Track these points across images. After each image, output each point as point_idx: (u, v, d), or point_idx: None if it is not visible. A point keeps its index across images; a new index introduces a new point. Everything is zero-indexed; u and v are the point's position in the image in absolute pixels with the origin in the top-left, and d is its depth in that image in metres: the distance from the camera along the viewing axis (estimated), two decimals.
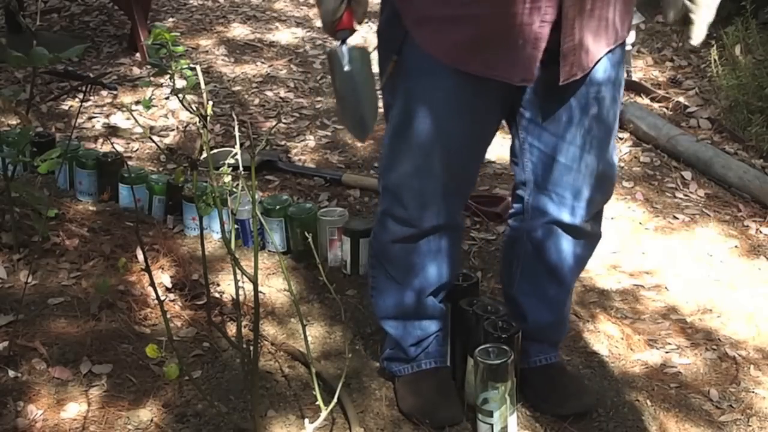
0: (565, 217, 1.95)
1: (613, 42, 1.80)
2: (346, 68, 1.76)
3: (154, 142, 2.17)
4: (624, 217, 3.03)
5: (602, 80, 1.82)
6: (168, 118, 3.56)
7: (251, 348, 1.84)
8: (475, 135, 1.86)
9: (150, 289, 2.15)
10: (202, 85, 1.84)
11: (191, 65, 1.92)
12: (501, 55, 1.70)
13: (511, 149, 1.99)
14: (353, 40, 1.79)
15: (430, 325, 2.08)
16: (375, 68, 1.84)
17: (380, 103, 1.90)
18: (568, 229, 1.97)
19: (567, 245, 1.99)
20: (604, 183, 1.94)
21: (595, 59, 1.78)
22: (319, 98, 3.85)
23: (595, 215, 2.00)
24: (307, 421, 1.88)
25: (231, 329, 2.32)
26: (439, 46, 1.73)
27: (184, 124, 3.48)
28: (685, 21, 1.73)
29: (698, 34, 1.74)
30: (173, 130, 3.46)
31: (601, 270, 2.72)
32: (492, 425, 1.93)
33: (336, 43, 1.78)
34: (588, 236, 2.02)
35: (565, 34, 1.69)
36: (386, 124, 1.93)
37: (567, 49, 1.71)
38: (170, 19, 4.68)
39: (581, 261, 2.07)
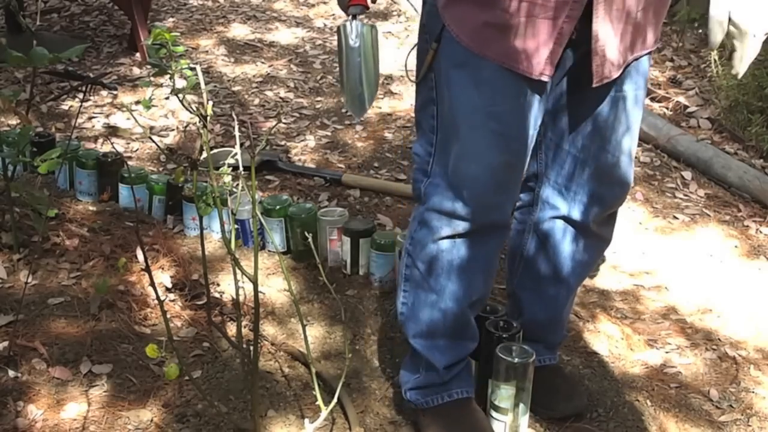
0: (575, 214, 1.93)
1: (644, 47, 1.79)
2: (353, 43, 1.76)
3: (154, 142, 2.18)
4: (624, 217, 3.03)
5: (628, 83, 1.81)
6: (168, 118, 3.56)
7: (251, 348, 1.84)
8: (521, 120, 1.79)
9: (150, 289, 2.15)
10: (202, 85, 1.84)
11: (191, 65, 1.92)
12: (522, 46, 1.67)
13: None
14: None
15: (463, 347, 1.99)
16: (381, 48, 1.84)
17: (381, 83, 1.88)
18: (576, 226, 1.95)
19: (572, 243, 1.98)
20: (618, 185, 1.91)
21: (625, 62, 1.76)
22: (319, 98, 3.85)
23: (606, 218, 1.97)
24: (307, 421, 1.88)
25: (231, 329, 2.32)
26: (464, 29, 1.70)
27: (184, 124, 3.48)
28: (730, 52, 1.71)
29: (740, 64, 1.70)
30: (173, 130, 3.46)
31: (601, 270, 2.72)
32: (505, 423, 1.93)
33: (347, 18, 1.78)
34: (595, 238, 1.99)
35: (596, 34, 1.67)
36: (425, 122, 1.87)
37: (598, 49, 1.69)
38: (170, 19, 4.68)
39: (585, 263, 2.04)
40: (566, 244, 1.98)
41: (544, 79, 1.71)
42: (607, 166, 1.87)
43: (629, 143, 1.88)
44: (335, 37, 4.53)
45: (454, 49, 1.73)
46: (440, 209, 1.85)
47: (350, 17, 1.78)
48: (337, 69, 4.11)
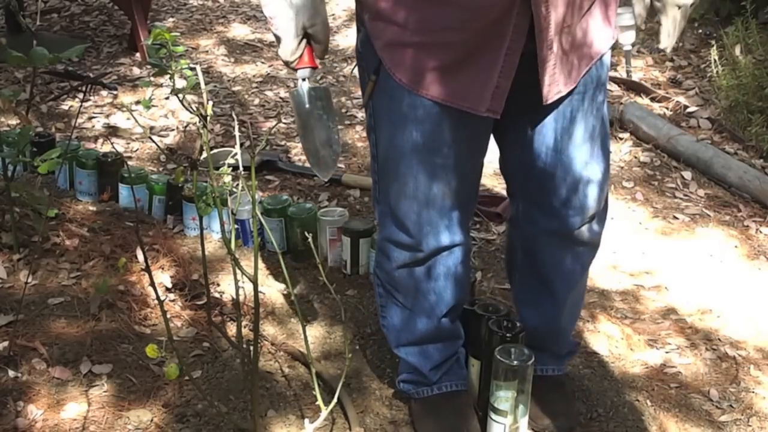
0: (557, 225, 1.90)
1: (596, 54, 1.76)
2: (306, 107, 1.77)
3: (154, 142, 2.17)
4: (624, 217, 3.03)
5: (585, 89, 1.78)
6: (168, 118, 3.56)
7: (251, 348, 1.84)
8: (465, 151, 1.80)
9: (150, 289, 2.15)
10: (202, 85, 1.84)
11: (191, 65, 1.92)
12: (467, 84, 1.67)
13: (499, 160, 1.96)
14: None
15: (449, 347, 2.03)
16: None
17: (341, 139, 1.86)
18: (560, 237, 1.93)
19: (558, 255, 1.96)
20: (593, 189, 1.89)
21: (579, 75, 1.73)
22: None
23: (590, 221, 1.94)
24: (307, 421, 1.88)
25: (231, 329, 2.32)
26: (406, 72, 1.70)
27: (184, 124, 3.48)
28: (657, 27, 1.68)
29: (665, 38, 1.65)
30: (173, 130, 3.46)
31: (601, 270, 2.72)
32: (505, 425, 1.93)
33: (299, 82, 1.79)
34: (581, 245, 1.96)
35: (543, 61, 1.65)
36: (370, 147, 1.89)
37: (546, 73, 1.67)
38: (170, 19, 4.68)
39: (574, 272, 2.02)
40: (553, 257, 1.97)
41: (492, 116, 1.70)
42: (579, 173, 1.84)
43: (597, 144, 1.86)
44: (335, 38, 4.54)
45: (393, 86, 1.73)
46: (393, 240, 1.89)
47: (300, 80, 1.77)
48: (337, 68, 4.12)
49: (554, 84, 1.70)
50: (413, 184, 1.79)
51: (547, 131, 1.82)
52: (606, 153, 1.90)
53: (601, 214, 1.96)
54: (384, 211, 1.89)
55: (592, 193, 1.90)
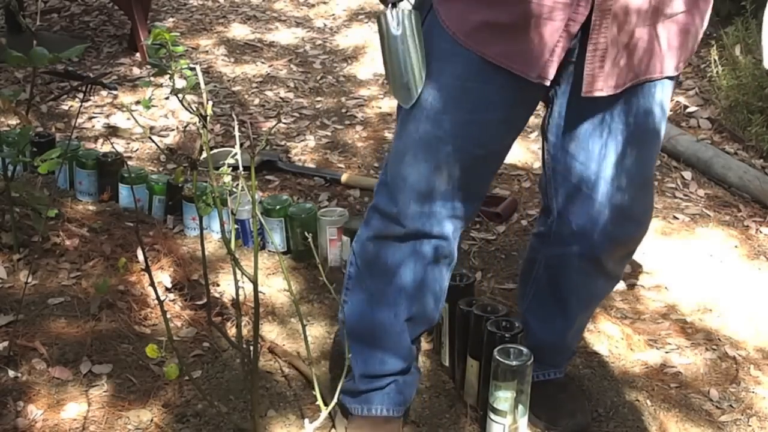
0: (584, 249, 1.87)
1: (659, 72, 1.71)
2: (395, 31, 1.71)
3: (154, 142, 2.17)
4: None
5: (643, 113, 1.74)
6: (168, 118, 3.56)
7: (251, 348, 1.84)
8: (490, 134, 1.75)
9: (150, 289, 2.15)
10: (202, 85, 1.84)
11: (191, 65, 1.92)
12: (521, 46, 1.63)
13: (541, 175, 1.94)
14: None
15: (392, 362, 1.95)
16: None
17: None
18: (586, 261, 1.89)
19: (579, 279, 1.93)
20: (631, 222, 1.85)
21: (625, 82, 1.68)
22: (319, 98, 3.85)
23: (622, 257, 1.92)
24: (307, 421, 1.88)
25: (231, 329, 2.32)
26: (463, 26, 1.67)
27: (184, 124, 3.48)
28: None
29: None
30: (173, 130, 3.46)
31: None
32: (504, 426, 1.93)
33: (389, 7, 1.73)
34: (604, 275, 1.94)
35: (592, 41, 1.61)
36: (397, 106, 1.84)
37: (590, 57, 1.62)
38: (170, 19, 4.68)
39: (591, 297, 2.01)
40: (574, 279, 1.94)
41: (543, 83, 1.66)
42: (620, 204, 1.80)
43: (646, 176, 1.82)
44: (335, 38, 4.54)
45: (433, 44, 1.70)
46: (378, 207, 1.85)
47: (389, 5, 1.72)
48: (337, 68, 4.12)
49: (596, 78, 1.64)
50: (422, 149, 1.74)
51: (600, 156, 1.77)
52: (648, 187, 1.86)
53: (633, 251, 1.95)
54: (383, 180, 1.85)
55: (630, 228, 1.86)
